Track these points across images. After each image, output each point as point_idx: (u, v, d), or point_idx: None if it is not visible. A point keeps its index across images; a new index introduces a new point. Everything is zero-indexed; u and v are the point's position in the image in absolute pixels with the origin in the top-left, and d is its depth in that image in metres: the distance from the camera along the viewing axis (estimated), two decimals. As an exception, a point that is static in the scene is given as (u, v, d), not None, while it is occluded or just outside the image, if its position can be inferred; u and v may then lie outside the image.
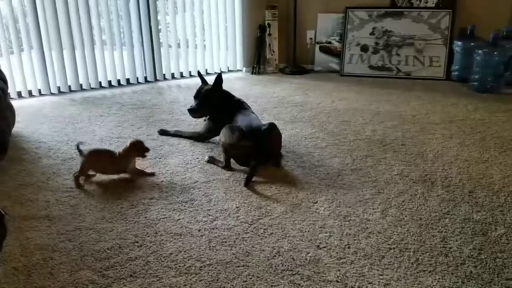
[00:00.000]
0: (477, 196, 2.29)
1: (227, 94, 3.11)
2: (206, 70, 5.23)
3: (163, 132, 3.23)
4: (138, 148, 2.50)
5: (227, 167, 2.65)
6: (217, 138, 3.02)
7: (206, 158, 2.76)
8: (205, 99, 3.03)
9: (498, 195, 2.31)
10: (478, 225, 2.03)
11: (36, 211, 2.17)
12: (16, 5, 4.05)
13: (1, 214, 1.51)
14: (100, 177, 2.54)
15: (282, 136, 2.83)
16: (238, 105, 3.03)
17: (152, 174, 2.58)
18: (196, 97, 3.08)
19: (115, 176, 2.53)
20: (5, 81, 3.05)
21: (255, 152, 2.56)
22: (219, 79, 3.04)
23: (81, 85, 4.50)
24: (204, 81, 3.16)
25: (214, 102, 3.02)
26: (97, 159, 2.50)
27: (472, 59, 4.39)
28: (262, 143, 2.60)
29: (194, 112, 3.06)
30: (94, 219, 2.10)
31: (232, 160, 2.67)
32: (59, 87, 4.39)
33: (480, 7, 4.70)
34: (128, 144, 2.49)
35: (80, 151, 2.49)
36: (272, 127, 2.70)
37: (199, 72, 3.29)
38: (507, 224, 2.04)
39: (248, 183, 2.45)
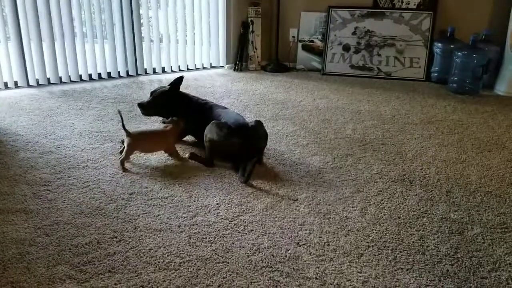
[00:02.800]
0: (454, 196, 2.34)
1: (187, 97, 3.00)
2: (188, 66, 5.20)
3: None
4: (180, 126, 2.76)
5: (210, 163, 2.64)
6: (190, 138, 3.02)
7: (187, 154, 2.74)
8: (157, 99, 2.95)
9: (474, 195, 2.35)
10: (455, 224, 2.06)
11: (13, 205, 2.13)
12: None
13: None
14: (77, 171, 2.50)
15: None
16: (207, 106, 2.92)
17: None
18: (151, 94, 3.01)
19: (99, 170, 2.51)
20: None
21: (243, 149, 2.55)
22: (176, 81, 2.97)
23: (60, 78, 4.43)
24: (174, 85, 2.99)
25: (166, 103, 2.93)
26: (146, 140, 2.66)
27: (452, 61, 4.47)
28: (250, 140, 2.60)
29: (142, 107, 2.97)
30: (72, 214, 2.07)
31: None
32: (37, 80, 4.31)
33: (461, 9, 4.78)
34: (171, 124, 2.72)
35: (127, 131, 2.57)
36: (259, 124, 2.69)
37: (181, 78, 3.02)
38: (483, 223, 2.08)
39: (248, 180, 2.44)
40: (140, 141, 2.61)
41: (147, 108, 2.97)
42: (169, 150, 2.73)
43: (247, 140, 2.57)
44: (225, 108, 2.97)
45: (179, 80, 2.99)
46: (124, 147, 2.62)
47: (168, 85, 3.00)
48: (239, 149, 2.55)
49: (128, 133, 2.56)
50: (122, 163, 2.56)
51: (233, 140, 2.56)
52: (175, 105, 2.94)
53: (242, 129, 2.61)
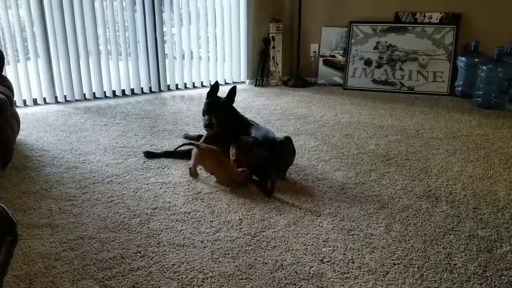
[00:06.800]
0: (482, 213, 2.28)
1: (236, 110, 2.99)
2: (210, 81, 5.24)
3: (149, 155, 2.99)
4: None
5: None
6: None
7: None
8: (224, 112, 2.84)
9: (503, 212, 2.30)
10: (483, 242, 2.01)
11: (39, 219, 2.16)
12: (24, 14, 4.08)
13: (13, 221, 1.50)
14: (101, 186, 2.53)
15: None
16: (246, 123, 2.93)
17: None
18: (210, 110, 2.83)
19: (123, 185, 2.54)
20: (11, 89, 3.06)
21: (268, 162, 2.56)
22: (234, 91, 2.90)
23: (85, 94, 4.52)
24: (214, 93, 2.91)
25: (229, 115, 2.89)
26: (212, 158, 2.61)
27: (476, 75, 4.40)
28: (276, 154, 2.60)
29: (211, 127, 2.81)
30: (96, 229, 2.09)
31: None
32: (64, 96, 4.40)
33: (485, 23, 4.72)
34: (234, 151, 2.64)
35: (195, 144, 2.65)
36: (287, 140, 2.70)
37: (216, 83, 2.94)
38: (512, 241, 2.02)
39: (271, 193, 2.45)
40: (205, 156, 2.61)
41: (216, 127, 2.82)
42: (231, 177, 2.59)
43: (273, 154, 2.58)
44: (259, 125, 2.98)
45: (234, 90, 2.91)
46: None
47: (225, 98, 2.89)
48: (266, 162, 2.55)
49: (197, 145, 2.65)
50: (192, 172, 2.66)
51: (259, 153, 2.57)
52: (232, 119, 2.90)
53: (269, 143, 2.62)
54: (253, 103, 4.46)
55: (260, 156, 2.59)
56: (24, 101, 4.24)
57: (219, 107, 2.84)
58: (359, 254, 1.91)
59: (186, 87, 5.11)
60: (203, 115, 2.87)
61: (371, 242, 2.01)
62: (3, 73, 3.16)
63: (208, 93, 2.93)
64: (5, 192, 2.44)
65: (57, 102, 4.36)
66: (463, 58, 4.67)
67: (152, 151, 3.03)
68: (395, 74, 5.00)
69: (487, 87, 4.30)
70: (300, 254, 1.91)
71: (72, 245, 1.96)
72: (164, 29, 4.81)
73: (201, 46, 5.10)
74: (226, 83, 5.35)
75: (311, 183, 2.62)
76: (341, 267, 1.82)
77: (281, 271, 1.80)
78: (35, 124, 3.66)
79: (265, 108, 4.27)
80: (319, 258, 1.89)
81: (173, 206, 2.32)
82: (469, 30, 4.77)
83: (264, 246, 1.97)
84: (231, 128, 2.83)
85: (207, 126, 2.82)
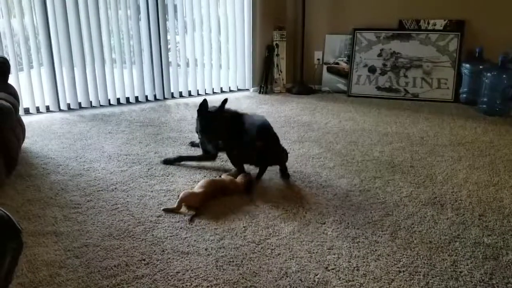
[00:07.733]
0: (487, 220, 2.27)
1: (225, 112, 2.95)
2: (213, 89, 5.26)
3: (167, 162, 3.02)
4: (248, 187, 2.58)
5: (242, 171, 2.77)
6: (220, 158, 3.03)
7: (223, 175, 2.76)
8: (217, 129, 2.85)
9: (508, 219, 2.28)
10: (489, 249, 2.00)
11: (44, 227, 2.17)
12: (28, 23, 4.11)
13: (18, 229, 1.51)
14: (106, 193, 2.54)
15: (290, 155, 2.90)
16: (236, 116, 2.95)
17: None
18: (203, 131, 2.88)
19: (127, 192, 2.54)
20: (16, 97, 3.08)
21: (267, 150, 2.70)
22: (223, 104, 2.87)
23: (90, 102, 4.54)
24: (204, 109, 2.87)
25: (222, 126, 2.87)
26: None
27: (481, 82, 4.39)
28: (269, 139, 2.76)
29: (208, 152, 2.98)
30: (101, 236, 2.09)
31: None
32: (68, 104, 4.42)
33: (488, 30, 4.72)
34: (242, 180, 2.61)
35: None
36: (266, 125, 2.80)
37: (205, 100, 2.87)
38: (518, 248, 2.01)
39: (249, 191, 2.56)
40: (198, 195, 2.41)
41: (215, 148, 2.95)
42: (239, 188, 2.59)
43: (268, 140, 2.74)
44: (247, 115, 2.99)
45: (225, 103, 2.89)
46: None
47: (215, 111, 2.88)
48: (264, 150, 2.69)
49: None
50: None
51: (259, 142, 2.69)
52: (225, 125, 2.90)
53: (262, 130, 2.74)
54: (257, 110, 4.46)
55: (260, 146, 2.70)
56: (28, 109, 4.26)
57: (212, 125, 2.84)
58: (364, 262, 1.91)
59: (190, 95, 5.12)
60: (197, 132, 2.97)
61: (376, 250, 2.00)
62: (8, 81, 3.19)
63: (198, 111, 2.88)
64: (10, 200, 2.45)
65: (60, 110, 4.38)
66: (467, 65, 4.66)
67: (168, 157, 3.05)
68: (399, 81, 5.00)
69: (492, 93, 4.29)
70: (305, 262, 1.91)
71: (77, 252, 1.96)
72: (168, 37, 4.83)
73: (205, 54, 5.12)
74: (230, 90, 5.37)
75: (316, 190, 2.62)
76: (346, 275, 1.82)
77: (285, 279, 1.79)
78: (40, 132, 3.68)
79: (269, 115, 4.27)
80: (324, 265, 1.88)
81: (177, 214, 2.32)
82: (473, 36, 4.77)
83: (269, 253, 1.97)
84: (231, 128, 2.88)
85: (206, 152, 3.00)
